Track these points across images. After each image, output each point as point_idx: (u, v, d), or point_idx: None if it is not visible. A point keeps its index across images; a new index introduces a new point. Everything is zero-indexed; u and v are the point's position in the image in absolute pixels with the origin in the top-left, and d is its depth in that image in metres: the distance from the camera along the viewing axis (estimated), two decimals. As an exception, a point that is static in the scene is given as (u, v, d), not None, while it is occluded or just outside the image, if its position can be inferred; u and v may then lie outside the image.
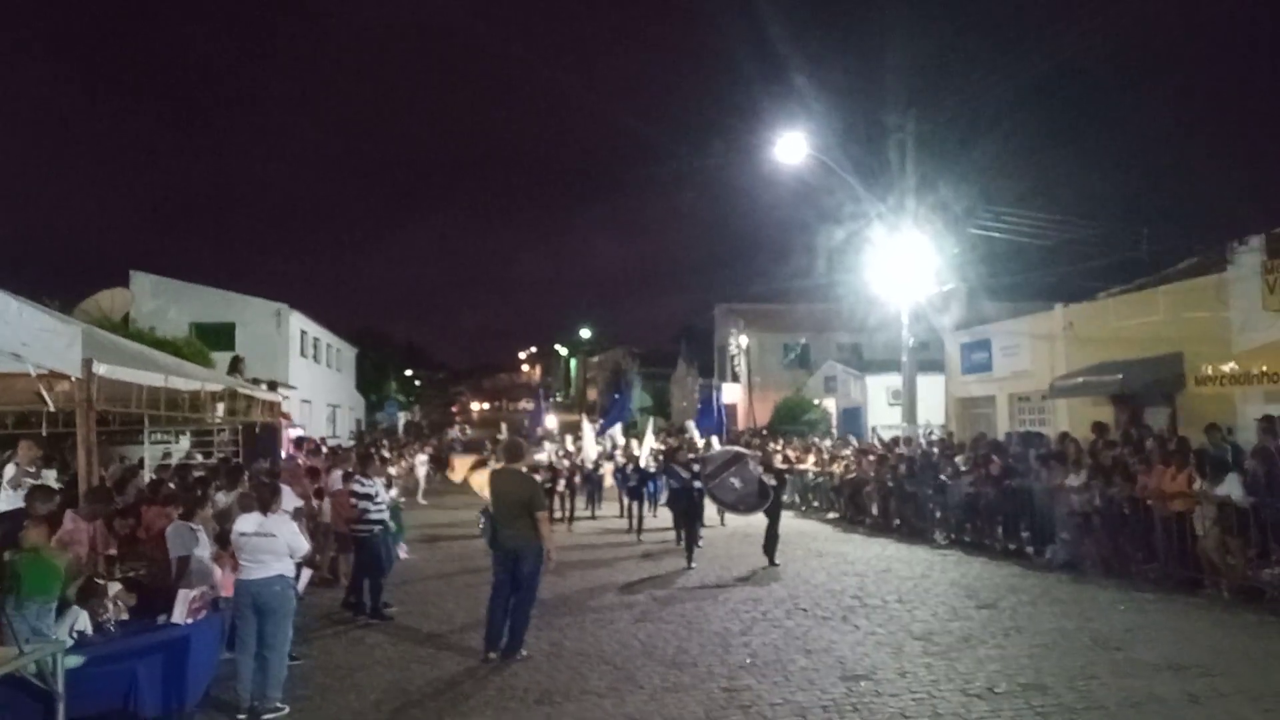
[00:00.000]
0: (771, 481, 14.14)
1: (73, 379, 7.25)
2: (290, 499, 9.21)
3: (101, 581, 7.37)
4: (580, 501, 21.61)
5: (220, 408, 11.25)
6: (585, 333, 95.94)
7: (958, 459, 16.91)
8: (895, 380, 25.35)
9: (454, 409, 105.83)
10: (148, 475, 12.33)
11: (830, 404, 36.07)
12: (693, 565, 13.54)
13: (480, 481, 16.36)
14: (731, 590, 11.80)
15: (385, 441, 31.11)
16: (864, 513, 19.00)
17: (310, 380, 37.47)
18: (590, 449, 23.78)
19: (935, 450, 18.74)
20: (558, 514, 19.03)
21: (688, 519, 14.46)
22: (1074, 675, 7.47)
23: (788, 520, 17.86)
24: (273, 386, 16.70)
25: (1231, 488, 10.49)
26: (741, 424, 40.21)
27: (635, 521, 17.93)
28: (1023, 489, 13.96)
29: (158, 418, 10.82)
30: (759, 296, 42.70)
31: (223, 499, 10.04)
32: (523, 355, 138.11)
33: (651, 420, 23.17)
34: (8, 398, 8.77)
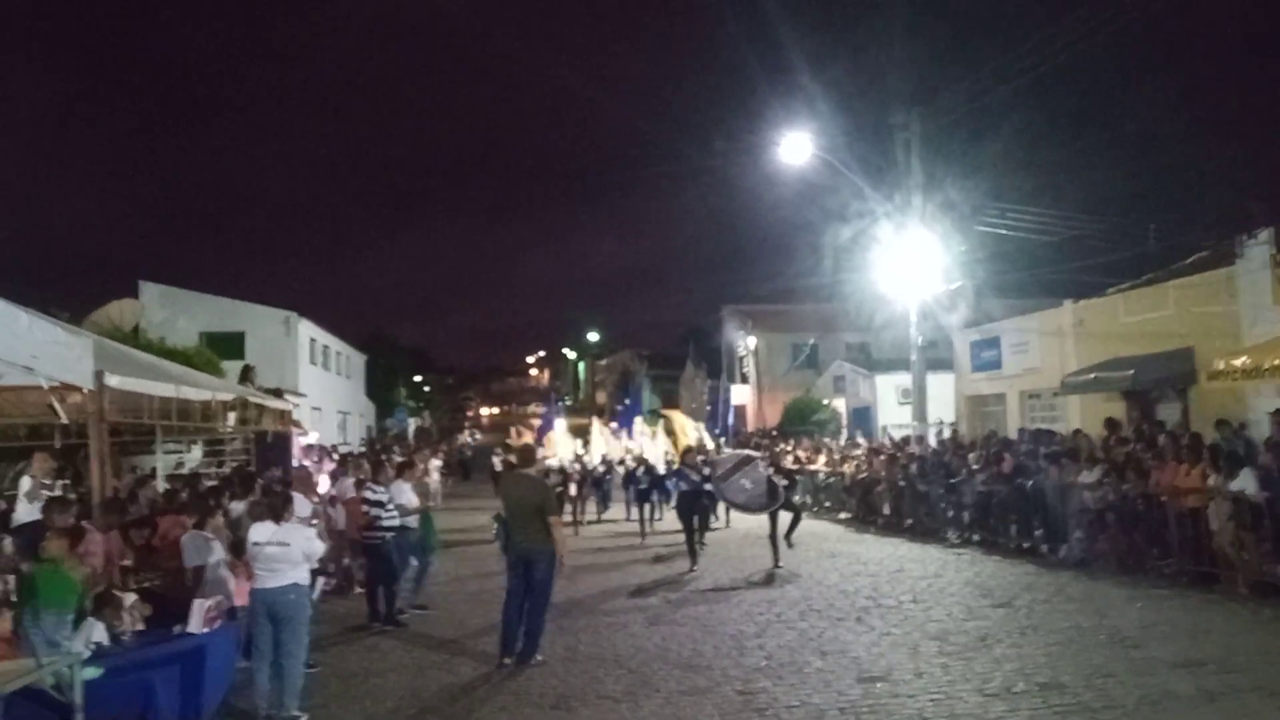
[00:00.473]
0: (782, 482, 14.17)
1: (84, 391, 7.30)
2: (303, 506, 9.22)
3: (117, 592, 7.39)
4: (590, 505, 21.62)
5: (231, 417, 11.28)
6: (593, 335, 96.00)
7: (969, 457, 16.87)
8: (905, 379, 25.30)
9: (470, 413, 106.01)
10: (160, 485, 12.37)
11: (840, 404, 36.00)
12: (695, 568, 13.51)
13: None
14: (745, 592, 11.79)
15: (396, 448, 31.16)
16: (876, 513, 18.97)
17: (320, 388, 37.56)
18: (598, 452, 23.79)
19: (946, 448, 18.70)
20: (567, 517, 19.04)
21: (697, 521, 14.45)
22: (1091, 673, 7.44)
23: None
24: (277, 393, 16.71)
25: (1246, 482, 10.45)
26: (751, 425, 40.19)
27: (644, 524, 17.96)
28: (1035, 487, 13.91)
29: (169, 428, 10.86)
30: (766, 297, 42.68)
31: (237, 508, 10.07)
32: (531, 359, 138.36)
33: (661, 422, 23.14)
34: (20, 410, 8.84)
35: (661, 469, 19.90)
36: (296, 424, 16.65)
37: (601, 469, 22.79)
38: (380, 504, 10.82)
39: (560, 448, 23.82)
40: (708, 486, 14.37)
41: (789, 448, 24.17)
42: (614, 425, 27.34)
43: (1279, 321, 14.84)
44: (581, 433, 26.97)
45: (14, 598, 6.62)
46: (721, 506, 16.84)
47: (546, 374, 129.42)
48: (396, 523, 10.91)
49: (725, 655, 8.56)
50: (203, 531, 8.41)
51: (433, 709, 7.36)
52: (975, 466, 16.06)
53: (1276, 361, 12.75)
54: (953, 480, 16.22)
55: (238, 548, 8.24)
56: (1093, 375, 18.91)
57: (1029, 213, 20.38)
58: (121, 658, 6.61)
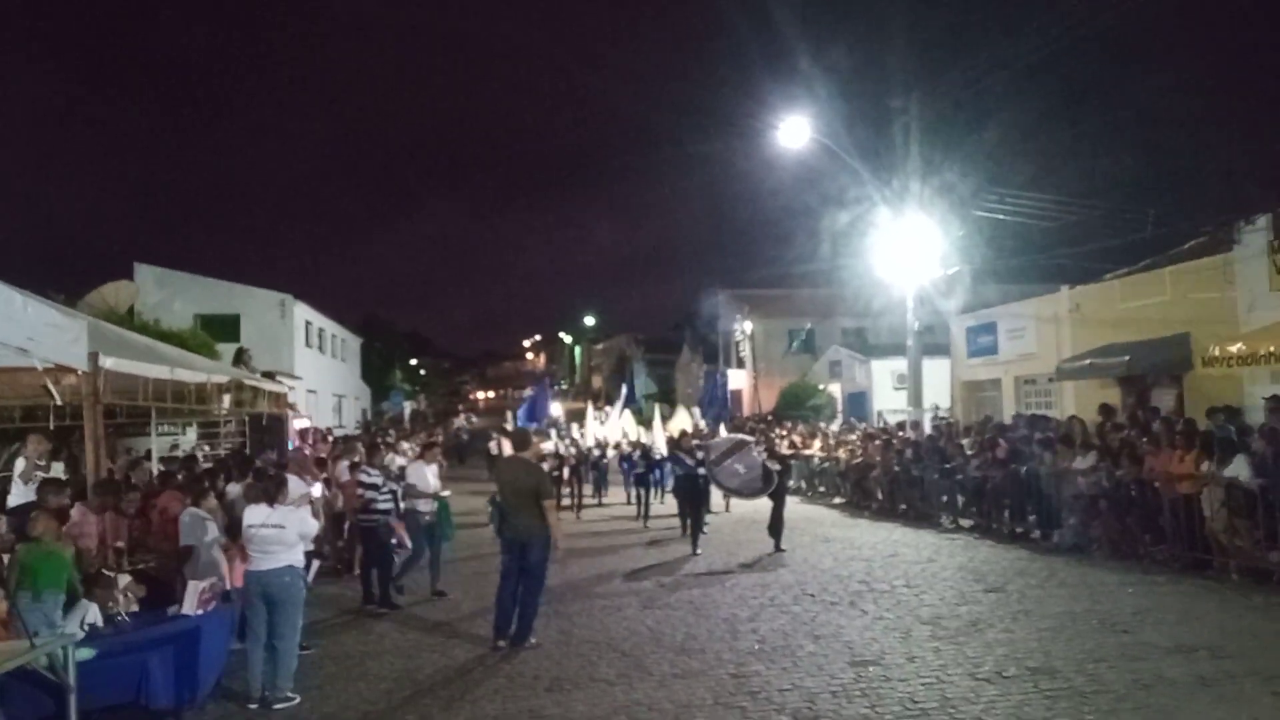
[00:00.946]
0: (775, 467, 14.18)
1: (79, 372, 7.27)
2: (298, 487, 9.22)
3: (111, 574, 7.39)
4: (587, 489, 21.63)
5: (227, 399, 11.25)
6: (589, 320, 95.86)
7: (964, 442, 16.90)
8: (900, 364, 25.31)
9: (471, 396, 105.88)
10: (155, 467, 12.36)
11: (835, 389, 36.04)
12: (698, 552, 13.56)
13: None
14: (739, 576, 11.82)
15: (392, 431, 31.15)
16: (870, 497, 19.01)
17: (316, 371, 37.53)
18: (594, 436, 23.80)
19: (941, 434, 18.73)
20: (565, 501, 19.08)
21: (693, 506, 14.48)
22: (1083, 658, 7.47)
23: (794, 506, 17.90)
24: (269, 375, 16.67)
25: (1240, 469, 10.47)
26: (747, 410, 40.22)
27: (642, 508, 17.99)
28: (1030, 472, 13.94)
29: (164, 410, 10.82)
30: (763, 282, 42.59)
31: (233, 490, 10.07)
32: (527, 343, 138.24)
33: (658, 407, 23.13)
34: (15, 391, 8.78)
35: (661, 453, 19.88)
36: (292, 406, 16.63)
37: (598, 453, 22.81)
38: (375, 486, 10.83)
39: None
40: (701, 471, 14.37)
41: (784, 432, 24.17)
42: (607, 409, 27.25)
43: (1276, 308, 14.86)
44: (578, 416, 26.91)
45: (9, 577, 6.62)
46: (719, 492, 16.86)
47: (543, 358, 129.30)
48: (390, 505, 10.92)
49: (719, 639, 8.59)
50: (200, 510, 8.41)
51: (427, 691, 7.38)
52: (970, 452, 16.09)
53: (1272, 348, 12.78)
54: (947, 465, 16.24)
55: (233, 530, 8.26)
56: (1089, 361, 18.93)
57: (1026, 198, 20.34)
58: (115, 639, 6.62)
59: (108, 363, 7.35)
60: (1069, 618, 8.91)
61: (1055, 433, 14.77)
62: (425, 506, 11.12)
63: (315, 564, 9.46)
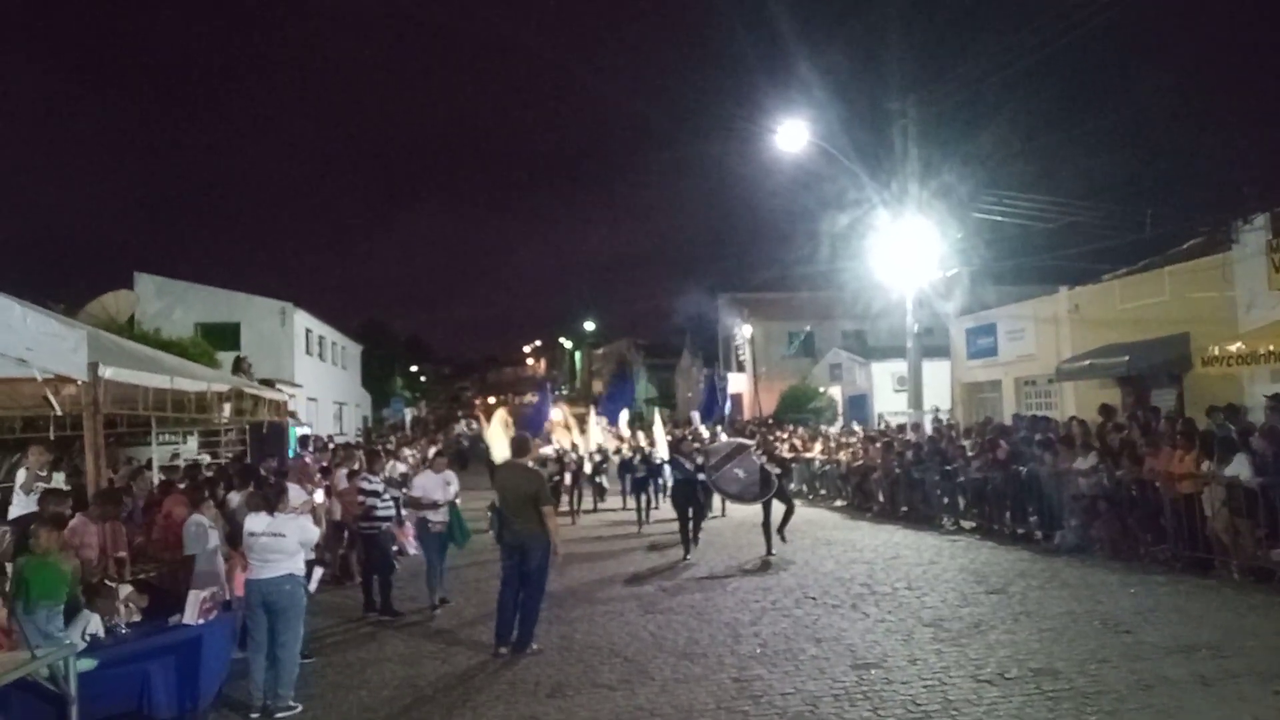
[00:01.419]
0: (775, 470, 14.16)
1: (79, 382, 7.27)
2: (298, 495, 9.23)
3: (112, 584, 7.40)
4: (586, 495, 21.60)
5: (227, 408, 11.26)
6: (589, 325, 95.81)
7: (964, 444, 16.89)
8: (900, 366, 25.33)
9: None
10: (155, 476, 12.37)
11: (836, 391, 36.04)
12: (689, 558, 13.50)
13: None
14: (739, 580, 11.82)
15: (393, 438, 31.15)
16: (871, 500, 19.01)
17: (316, 378, 37.53)
18: (595, 442, 23.76)
19: (941, 435, 18.72)
20: (564, 507, 19.05)
21: (692, 510, 14.43)
22: (1084, 659, 7.47)
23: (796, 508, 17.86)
24: (269, 384, 16.69)
25: (1240, 468, 10.47)
26: (748, 413, 40.20)
27: (642, 514, 17.97)
28: (1030, 473, 13.94)
29: (165, 419, 10.84)
30: (762, 285, 42.60)
31: (234, 498, 10.08)
32: (527, 349, 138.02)
33: (658, 411, 23.10)
34: (15, 402, 8.81)
35: (661, 457, 19.85)
36: (293, 414, 16.65)
37: (598, 458, 22.77)
38: (376, 493, 10.83)
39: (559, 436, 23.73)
40: (701, 476, 14.33)
41: (784, 435, 24.16)
42: (604, 418, 27.19)
43: (1275, 307, 14.88)
44: (578, 422, 26.83)
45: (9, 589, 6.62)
46: (717, 496, 16.83)
47: (543, 363, 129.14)
48: (391, 512, 10.91)
49: (720, 643, 8.59)
50: (204, 517, 8.42)
51: (429, 699, 7.38)
52: (971, 454, 16.09)
53: (1272, 347, 12.81)
54: (948, 467, 16.24)
55: (234, 538, 8.26)
56: (1088, 362, 18.95)
57: (1025, 199, 20.35)
58: (117, 649, 6.62)
59: (107, 372, 7.36)
60: (1071, 618, 8.91)
61: (1055, 434, 14.78)
62: (437, 516, 10.78)
63: (318, 572, 9.47)
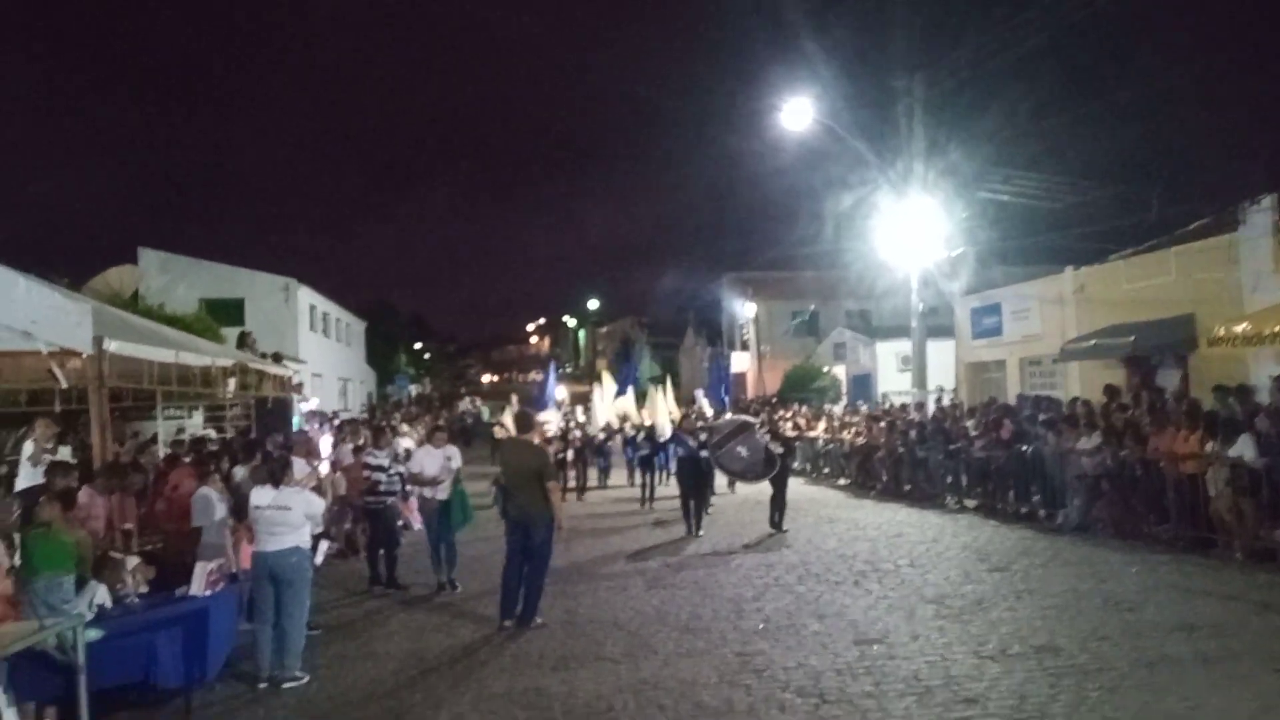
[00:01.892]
0: (779, 449, 14.18)
1: (84, 356, 7.28)
2: (302, 469, 9.26)
3: (119, 555, 7.44)
4: (591, 472, 21.66)
5: (232, 383, 11.26)
6: (593, 304, 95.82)
7: (968, 423, 16.90)
8: (905, 346, 25.29)
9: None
10: (162, 450, 12.40)
11: (840, 371, 36.04)
12: (700, 534, 13.59)
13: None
14: (743, 556, 11.86)
15: (397, 414, 31.20)
16: (875, 478, 19.04)
17: (320, 354, 37.56)
18: (600, 419, 23.78)
19: (945, 414, 18.72)
20: (570, 484, 19.11)
21: (696, 488, 14.47)
22: (1086, 637, 7.50)
23: (799, 487, 17.94)
24: (277, 359, 16.67)
25: (1244, 448, 10.46)
26: (751, 393, 40.22)
27: (647, 490, 18.01)
28: (1034, 453, 13.95)
29: (170, 393, 10.85)
30: (767, 264, 42.47)
31: (239, 472, 10.11)
32: (531, 327, 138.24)
33: (661, 388, 23.06)
34: (20, 376, 8.81)
35: (665, 435, 19.85)
36: (297, 389, 16.65)
37: (602, 435, 22.81)
38: (381, 469, 10.87)
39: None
40: (704, 453, 14.36)
41: (788, 414, 24.16)
42: (600, 390, 27.14)
43: (1280, 288, 14.80)
44: (582, 400, 26.85)
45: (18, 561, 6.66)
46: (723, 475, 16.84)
47: (547, 341, 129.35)
48: (397, 486, 10.93)
49: (723, 618, 8.63)
50: (211, 490, 8.45)
51: (434, 670, 7.44)
52: (974, 433, 16.10)
53: (1277, 328, 12.74)
54: (952, 446, 16.26)
55: (239, 511, 8.30)
56: (1093, 342, 18.90)
57: (1031, 179, 20.26)
58: (124, 620, 6.67)
59: (112, 346, 7.37)
60: (1073, 596, 8.94)
61: (1060, 413, 14.77)
62: (440, 494, 10.60)
63: (324, 545, 9.49)
